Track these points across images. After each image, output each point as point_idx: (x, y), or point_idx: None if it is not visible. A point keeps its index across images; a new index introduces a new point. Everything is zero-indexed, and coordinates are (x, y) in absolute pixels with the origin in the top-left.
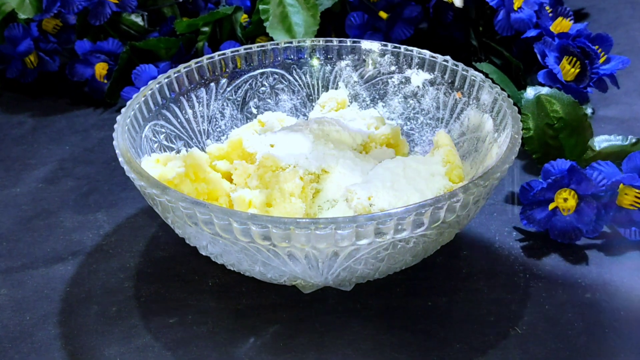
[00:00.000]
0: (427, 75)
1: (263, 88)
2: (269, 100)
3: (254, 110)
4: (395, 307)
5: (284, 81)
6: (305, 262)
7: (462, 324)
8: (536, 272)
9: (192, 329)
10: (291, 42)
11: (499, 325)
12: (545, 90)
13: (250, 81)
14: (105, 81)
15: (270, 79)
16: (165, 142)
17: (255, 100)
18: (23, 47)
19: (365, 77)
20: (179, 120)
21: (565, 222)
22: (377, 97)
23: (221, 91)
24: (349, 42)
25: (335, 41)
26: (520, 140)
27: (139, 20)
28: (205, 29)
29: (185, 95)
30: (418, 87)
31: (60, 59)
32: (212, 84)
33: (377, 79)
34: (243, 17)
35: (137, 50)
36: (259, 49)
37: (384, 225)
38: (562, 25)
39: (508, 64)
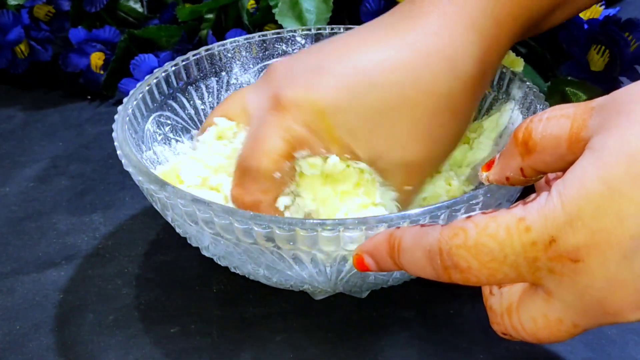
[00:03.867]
0: None
1: None
2: None
3: None
4: (414, 315)
5: None
6: (311, 266)
7: (486, 332)
8: None
9: (195, 339)
10: (310, 30)
11: None
12: (570, 81)
13: (264, 70)
14: (102, 72)
15: None
16: (171, 135)
17: None
18: (13, 35)
19: None
20: (186, 112)
21: None
22: None
23: (233, 81)
24: None
25: (356, 28)
26: None
27: (137, 6)
28: (210, 16)
29: (194, 85)
30: None
31: (53, 48)
32: (224, 73)
33: None
34: (250, 4)
35: (136, 38)
36: (275, 36)
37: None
38: (592, 11)
39: (533, 53)
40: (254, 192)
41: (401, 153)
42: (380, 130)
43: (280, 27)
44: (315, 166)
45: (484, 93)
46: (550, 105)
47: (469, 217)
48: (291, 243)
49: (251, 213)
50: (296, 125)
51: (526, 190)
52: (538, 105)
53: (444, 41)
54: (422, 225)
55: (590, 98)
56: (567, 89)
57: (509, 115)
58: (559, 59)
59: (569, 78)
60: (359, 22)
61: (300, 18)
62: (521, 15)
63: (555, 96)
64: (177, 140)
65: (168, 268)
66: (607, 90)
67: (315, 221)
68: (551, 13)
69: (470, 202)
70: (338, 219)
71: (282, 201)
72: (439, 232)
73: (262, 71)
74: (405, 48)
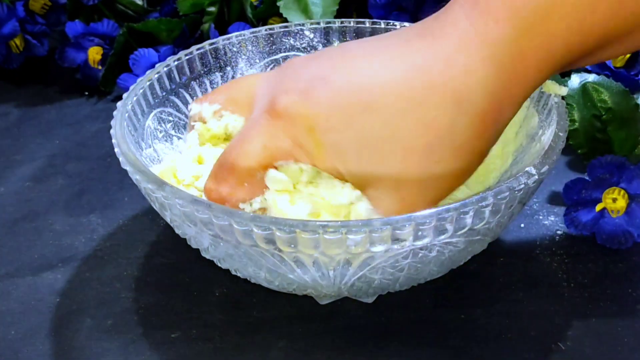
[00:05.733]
0: None
1: None
2: None
3: None
4: (423, 320)
5: None
6: (314, 269)
7: (499, 339)
8: (582, 281)
9: (197, 345)
10: (318, 23)
11: (541, 341)
12: (591, 77)
13: (271, 66)
14: (100, 67)
15: None
16: (173, 132)
17: None
18: (7, 29)
19: None
20: (189, 108)
21: (614, 225)
22: None
23: (239, 76)
24: (382, 23)
25: (367, 23)
26: (565, 140)
27: None
28: (212, 8)
29: (197, 80)
30: None
31: (49, 42)
32: (229, 68)
33: None
34: None
35: (135, 32)
36: (282, 29)
37: (402, 230)
38: None
39: None
40: (223, 189)
41: (392, 185)
42: (370, 158)
43: (285, 20)
44: (281, 182)
45: (500, 131)
46: (568, 100)
47: None
48: (292, 246)
49: (252, 214)
50: (284, 135)
51: (539, 193)
52: (554, 105)
53: (455, 71)
54: None
55: (611, 94)
56: (588, 84)
57: (524, 113)
58: None
59: (590, 73)
60: (367, 15)
61: (305, 11)
62: (558, 50)
63: (577, 91)
64: (179, 138)
65: (168, 271)
66: (628, 87)
67: (317, 223)
68: (600, 49)
69: (480, 205)
70: (341, 220)
71: (253, 205)
72: None
73: (269, 66)
74: (411, 72)
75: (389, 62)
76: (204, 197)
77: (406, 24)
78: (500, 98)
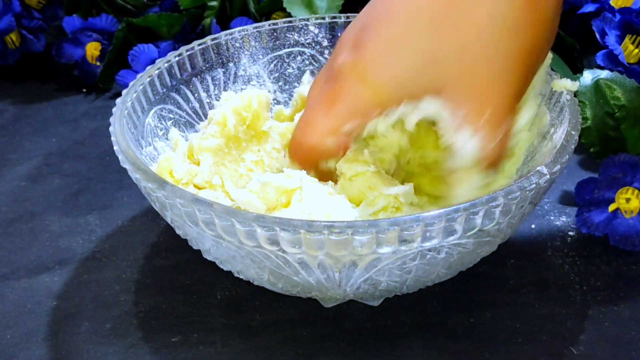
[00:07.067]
0: None
1: (290, 70)
2: (296, 84)
3: (279, 96)
4: (431, 324)
5: (314, 63)
6: (319, 271)
7: (509, 343)
8: (594, 283)
9: (198, 349)
10: (324, 18)
11: (552, 345)
12: (604, 74)
13: (275, 62)
14: (98, 63)
15: (298, 59)
16: (174, 130)
17: (281, 83)
18: (3, 24)
19: None
20: (190, 105)
21: (628, 226)
22: None
23: (241, 72)
24: None
25: None
26: (577, 139)
27: None
28: (213, 3)
29: (199, 77)
30: None
31: (46, 37)
32: (231, 64)
33: None
34: None
35: (135, 28)
36: (286, 24)
37: (409, 231)
38: None
39: (562, 43)
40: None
41: (464, 84)
42: (430, 73)
43: (289, 15)
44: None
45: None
46: (580, 98)
47: None
48: (297, 247)
49: (254, 214)
50: (344, 96)
51: (550, 193)
52: (566, 102)
53: None
54: None
55: (625, 91)
56: (600, 80)
57: (535, 110)
58: (589, 50)
59: (603, 70)
60: None
61: (310, 6)
62: None
63: (589, 88)
64: (180, 135)
65: (169, 273)
66: None
67: (322, 223)
68: None
69: (490, 205)
70: (347, 221)
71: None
72: None
73: (272, 62)
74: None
75: None
76: (203, 196)
77: None
78: None
